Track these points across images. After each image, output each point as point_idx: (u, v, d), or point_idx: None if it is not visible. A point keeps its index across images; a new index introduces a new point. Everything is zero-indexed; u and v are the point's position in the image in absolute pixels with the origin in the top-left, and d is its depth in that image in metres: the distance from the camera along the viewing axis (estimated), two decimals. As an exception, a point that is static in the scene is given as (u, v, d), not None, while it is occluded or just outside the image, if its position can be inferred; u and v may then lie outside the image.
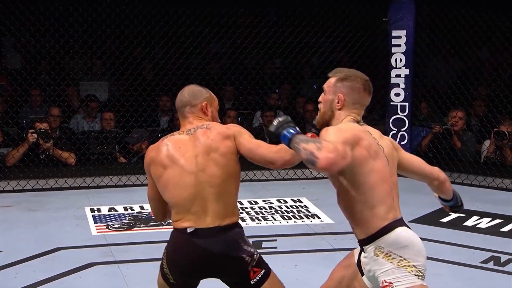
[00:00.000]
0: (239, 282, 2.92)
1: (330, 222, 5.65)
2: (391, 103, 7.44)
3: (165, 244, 5.18)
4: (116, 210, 6.03)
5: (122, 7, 7.44)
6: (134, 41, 7.94)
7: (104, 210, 6.04)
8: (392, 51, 7.41)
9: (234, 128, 2.96)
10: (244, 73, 8.16)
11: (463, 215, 5.91)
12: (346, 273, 2.94)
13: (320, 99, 2.91)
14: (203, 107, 3.00)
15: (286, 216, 5.90)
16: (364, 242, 2.71)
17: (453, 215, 5.90)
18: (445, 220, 5.81)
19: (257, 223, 5.70)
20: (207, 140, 2.88)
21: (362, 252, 2.76)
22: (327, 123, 2.83)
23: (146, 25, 7.76)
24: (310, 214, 5.96)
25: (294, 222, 5.75)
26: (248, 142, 2.91)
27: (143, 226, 5.54)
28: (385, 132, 7.51)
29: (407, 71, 7.38)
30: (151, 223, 5.59)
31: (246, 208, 6.14)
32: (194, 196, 2.85)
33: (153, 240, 5.14)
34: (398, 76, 7.41)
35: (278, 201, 6.37)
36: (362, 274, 2.83)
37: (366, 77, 2.87)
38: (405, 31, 7.32)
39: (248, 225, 5.61)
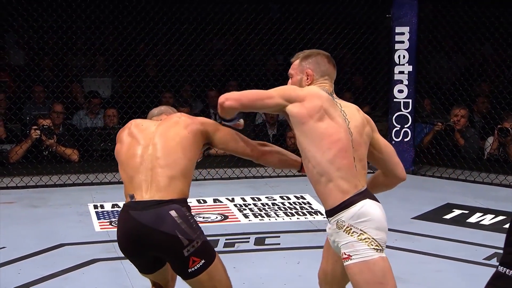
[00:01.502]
0: (178, 266, 2.82)
1: (333, 219, 5.64)
2: (394, 99, 7.44)
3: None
4: (119, 207, 6.01)
5: (125, 3, 7.44)
6: (137, 37, 7.95)
7: (107, 207, 6.04)
8: (396, 48, 7.40)
9: (208, 120, 3.00)
10: (247, 69, 8.16)
11: (466, 211, 5.91)
12: (330, 253, 3.00)
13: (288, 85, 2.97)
14: None
15: (289, 212, 5.90)
16: (328, 214, 2.73)
17: (457, 212, 5.90)
18: (448, 216, 5.81)
19: (260, 220, 5.69)
20: (175, 118, 2.92)
21: (328, 223, 2.77)
22: None
23: (149, 21, 7.76)
24: (313, 210, 5.95)
25: (297, 218, 5.74)
26: (227, 131, 2.95)
27: (146, 223, 5.54)
28: (388, 129, 7.51)
29: (410, 68, 7.37)
30: (154, 220, 5.60)
31: (249, 204, 6.14)
32: (139, 164, 2.83)
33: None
34: (401, 72, 7.40)
35: (281, 197, 6.36)
36: None
37: (328, 53, 2.99)
38: (408, 27, 7.30)
39: (251, 222, 5.62)
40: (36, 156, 7.07)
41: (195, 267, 2.76)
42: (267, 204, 6.17)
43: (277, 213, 5.87)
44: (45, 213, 5.90)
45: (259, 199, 6.31)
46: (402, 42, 7.36)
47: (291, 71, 2.99)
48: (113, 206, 6.05)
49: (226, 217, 5.73)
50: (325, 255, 3.10)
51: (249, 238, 5.16)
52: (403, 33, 7.35)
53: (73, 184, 6.84)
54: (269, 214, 5.86)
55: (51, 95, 7.70)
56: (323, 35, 8.13)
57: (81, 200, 6.25)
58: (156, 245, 2.78)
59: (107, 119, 7.79)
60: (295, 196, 6.38)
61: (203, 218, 5.70)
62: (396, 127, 7.41)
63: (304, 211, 5.94)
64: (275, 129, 8.19)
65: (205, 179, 7.15)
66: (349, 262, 2.64)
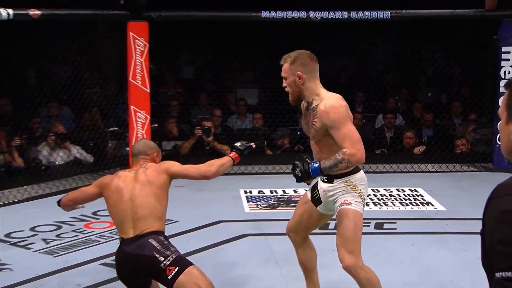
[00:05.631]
0: (161, 279, 2.97)
1: (443, 209, 5.44)
2: (499, 109, 7.03)
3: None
4: (264, 193, 6.12)
5: (269, 28, 7.57)
6: (279, 55, 8.05)
7: (255, 192, 6.14)
8: (501, 65, 6.99)
9: (164, 164, 3.20)
10: (369, 83, 8.04)
11: None
12: (305, 208, 3.23)
13: (284, 84, 3.07)
14: (154, 157, 3.29)
15: (404, 203, 5.75)
16: (337, 177, 3.00)
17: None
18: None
19: (379, 208, 5.59)
20: (144, 176, 3.13)
21: (327, 184, 3.04)
22: (298, 97, 3.07)
23: (288, 42, 7.83)
24: (425, 202, 5.77)
25: (411, 208, 5.59)
26: (181, 167, 3.18)
27: (285, 206, 5.60)
28: (493, 134, 7.12)
29: (515, 82, 6.95)
30: (292, 204, 5.64)
31: (370, 195, 6.01)
32: (125, 215, 3.08)
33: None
34: (506, 86, 7.00)
35: (397, 190, 6.21)
36: (316, 206, 3.16)
37: (308, 52, 3.09)
38: (514, 47, 6.89)
39: (372, 209, 5.51)
40: (200, 150, 7.31)
41: (172, 274, 2.93)
42: (385, 195, 6.05)
43: (394, 203, 5.74)
44: (207, 196, 6.03)
45: (378, 191, 6.19)
46: (508, 59, 6.93)
47: (283, 74, 3.05)
48: (259, 192, 6.14)
49: (350, 205, 5.68)
50: (300, 213, 3.27)
51: (369, 223, 5.07)
52: (509, 52, 6.91)
53: (228, 174, 6.92)
54: (386, 203, 5.74)
55: (212, 102, 7.95)
56: (436, 53, 7.86)
57: (234, 187, 6.32)
58: (141, 267, 3.00)
59: (255, 122, 7.93)
60: (409, 189, 6.21)
61: (332, 204, 5.68)
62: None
63: (417, 202, 5.77)
64: (392, 132, 8.00)
65: (333, 173, 7.12)
66: (348, 207, 2.97)
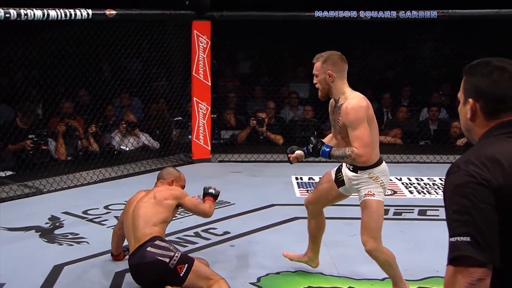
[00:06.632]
0: (172, 278, 3.03)
1: (484, 199, 5.30)
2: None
3: (349, 207, 5.15)
4: (313, 180, 6.08)
5: (322, 27, 7.51)
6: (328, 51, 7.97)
7: (305, 179, 6.12)
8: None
9: (176, 191, 3.41)
10: (414, 77, 7.88)
11: None
12: (327, 186, 3.35)
13: (315, 81, 3.10)
14: (169, 182, 3.50)
15: (446, 192, 5.63)
16: (361, 168, 3.06)
17: None
18: None
19: (422, 196, 5.51)
20: (153, 194, 3.32)
21: (352, 172, 3.11)
22: (327, 94, 3.08)
23: (340, 40, 7.75)
24: (466, 191, 5.62)
25: (453, 197, 5.46)
26: (191, 205, 3.42)
27: (334, 192, 5.57)
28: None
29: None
30: (340, 191, 5.62)
31: (414, 183, 5.95)
32: (129, 227, 3.26)
33: (340, 203, 5.17)
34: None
35: (440, 179, 6.08)
36: (338, 187, 3.26)
37: (339, 53, 3.12)
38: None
39: (415, 197, 5.44)
40: (255, 139, 7.35)
41: (183, 271, 3.02)
42: (428, 184, 5.94)
43: (437, 191, 5.63)
44: (261, 181, 6.06)
45: (422, 180, 6.09)
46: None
47: (315, 71, 3.07)
48: (309, 178, 6.12)
49: (395, 192, 5.61)
50: (321, 188, 3.40)
51: (413, 209, 5.02)
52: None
53: (281, 161, 6.97)
54: (430, 191, 5.65)
55: (267, 95, 7.97)
56: (479, 52, 7.61)
57: (286, 173, 6.27)
58: (149, 274, 3.09)
59: (305, 113, 7.90)
60: (452, 179, 6.06)
61: (377, 192, 5.62)
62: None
63: (459, 191, 5.63)
64: (436, 124, 7.82)
65: (378, 162, 7.03)
66: (372, 198, 3.05)
